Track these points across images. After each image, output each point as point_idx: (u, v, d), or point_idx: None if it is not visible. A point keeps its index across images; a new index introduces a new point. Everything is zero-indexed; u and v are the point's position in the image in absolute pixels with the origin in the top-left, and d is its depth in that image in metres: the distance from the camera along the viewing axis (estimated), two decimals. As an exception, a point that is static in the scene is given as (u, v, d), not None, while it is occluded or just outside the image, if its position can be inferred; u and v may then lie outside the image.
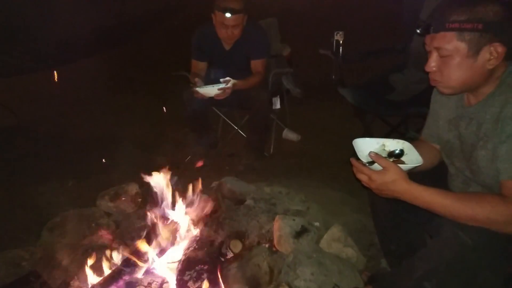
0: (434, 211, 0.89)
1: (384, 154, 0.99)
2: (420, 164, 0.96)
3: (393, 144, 1.03)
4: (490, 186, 0.94)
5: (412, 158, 0.99)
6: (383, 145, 1.03)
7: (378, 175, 0.90)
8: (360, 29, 3.55)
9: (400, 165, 0.93)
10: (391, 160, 0.96)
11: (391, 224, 1.17)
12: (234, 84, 1.92)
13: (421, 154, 1.00)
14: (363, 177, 0.93)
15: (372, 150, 0.97)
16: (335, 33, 2.05)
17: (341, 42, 2.03)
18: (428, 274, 0.89)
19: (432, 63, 0.94)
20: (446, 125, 1.06)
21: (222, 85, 1.90)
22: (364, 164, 0.94)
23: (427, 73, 2.12)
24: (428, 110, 1.86)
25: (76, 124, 2.72)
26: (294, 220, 1.44)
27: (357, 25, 3.65)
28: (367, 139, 1.03)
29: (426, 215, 1.06)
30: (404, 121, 1.94)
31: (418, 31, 0.96)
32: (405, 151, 1.00)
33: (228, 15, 1.89)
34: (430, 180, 0.95)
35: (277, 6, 4.41)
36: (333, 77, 2.07)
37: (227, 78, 1.93)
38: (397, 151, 0.99)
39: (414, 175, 0.93)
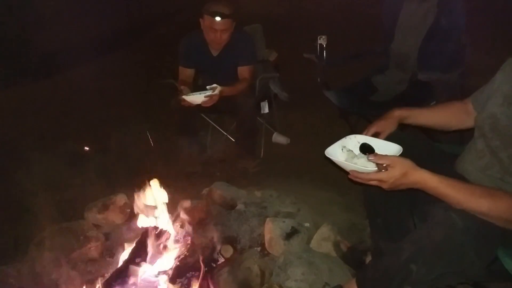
0: (446, 201, 0.88)
1: (352, 155, 0.99)
2: (401, 151, 0.96)
3: (348, 142, 1.03)
4: None
5: (385, 147, 0.98)
6: (344, 147, 1.02)
7: (386, 174, 0.88)
8: (343, 33, 3.64)
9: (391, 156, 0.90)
10: (366, 155, 0.94)
11: (380, 200, 1.16)
12: (221, 91, 1.94)
13: (451, 113, 1.01)
14: (373, 183, 0.91)
15: (340, 155, 0.98)
16: (319, 37, 2.10)
17: (324, 46, 2.08)
18: (415, 255, 0.89)
19: None
20: (501, 99, 1.00)
21: (209, 92, 1.91)
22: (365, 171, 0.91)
23: (407, 74, 2.17)
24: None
25: (62, 136, 2.69)
26: (284, 222, 1.45)
27: (339, 29, 3.73)
28: (332, 146, 1.02)
29: (414, 201, 1.09)
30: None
31: None
32: (372, 144, 1.00)
33: (217, 18, 1.92)
34: (437, 160, 0.94)
35: (262, 13, 4.47)
36: (318, 80, 2.11)
37: (214, 85, 1.94)
38: (366, 145, 0.99)
39: (424, 158, 0.92)
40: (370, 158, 0.90)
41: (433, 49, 1.91)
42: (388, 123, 1.16)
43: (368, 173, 0.90)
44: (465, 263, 0.87)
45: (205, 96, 1.90)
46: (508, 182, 0.96)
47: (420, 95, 1.89)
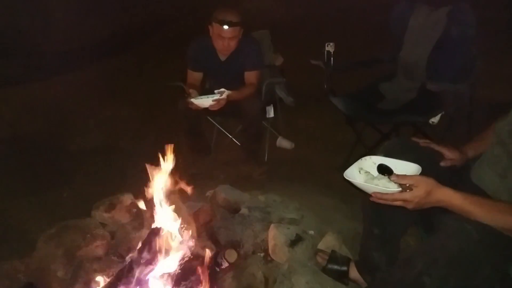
0: (470, 217, 0.87)
1: (370, 176, 0.99)
2: (420, 171, 0.95)
3: (364, 163, 1.03)
4: None
5: (402, 168, 0.98)
6: (361, 168, 1.02)
7: (411, 194, 0.88)
8: (350, 40, 3.64)
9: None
10: (385, 176, 0.95)
11: (382, 210, 1.12)
12: (228, 95, 1.96)
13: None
14: (398, 203, 0.90)
15: (358, 177, 0.97)
16: (326, 44, 2.10)
17: (332, 52, 2.09)
18: (428, 267, 0.87)
19: None
20: None
21: (216, 96, 1.93)
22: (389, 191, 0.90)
23: (416, 83, 2.15)
24: (418, 118, 1.92)
25: (71, 135, 2.72)
26: (288, 228, 1.45)
27: (347, 36, 3.73)
28: (350, 168, 1.02)
29: (420, 212, 1.07)
30: (394, 129, 1.99)
31: None
32: (389, 164, 0.99)
33: (225, 27, 1.95)
34: (455, 173, 0.93)
35: (270, 18, 4.49)
36: (325, 86, 2.12)
37: (222, 89, 1.96)
38: (383, 166, 0.99)
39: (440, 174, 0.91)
40: (392, 178, 0.90)
41: (443, 59, 1.91)
42: (460, 159, 1.14)
43: (392, 194, 0.90)
44: (480, 276, 0.86)
45: (213, 100, 1.92)
46: None
47: (428, 105, 1.88)
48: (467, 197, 0.88)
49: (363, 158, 1.06)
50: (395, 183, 0.91)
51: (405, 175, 0.91)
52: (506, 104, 1.09)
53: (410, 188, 0.88)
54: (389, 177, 0.91)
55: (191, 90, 2.01)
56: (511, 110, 1.05)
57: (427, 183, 0.88)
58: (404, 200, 0.89)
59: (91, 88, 3.27)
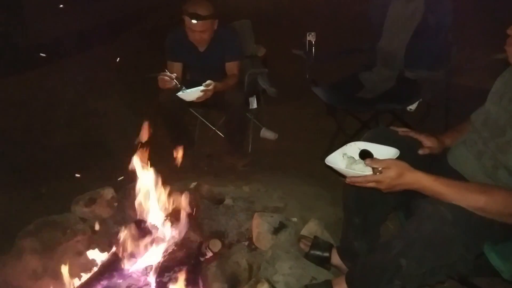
0: (442, 199, 0.90)
1: (352, 161, 1.02)
2: (398, 154, 0.99)
3: (349, 149, 1.06)
4: (507, 167, 0.95)
5: (384, 152, 1.02)
6: (345, 154, 1.05)
7: (383, 176, 0.91)
8: (331, 30, 3.65)
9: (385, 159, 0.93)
10: (365, 160, 0.97)
11: (361, 199, 1.17)
12: (214, 86, 1.94)
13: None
14: (370, 185, 0.93)
15: (341, 162, 1.00)
16: (307, 34, 2.10)
17: (313, 42, 2.09)
18: (404, 250, 0.91)
19: None
20: (495, 98, 1.05)
21: (203, 88, 1.91)
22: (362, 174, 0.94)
23: (395, 71, 2.18)
24: (396, 105, 1.96)
25: (49, 129, 2.63)
26: (272, 216, 1.47)
27: (328, 26, 3.75)
28: (333, 154, 1.05)
29: (400, 198, 1.10)
30: (374, 117, 2.03)
31: None
32: (370, 149, 1.03)
33: (194, 21, 1.92)
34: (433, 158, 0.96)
35: (251, 9, 4.45)
36: (307, 76, 2.13)
37: (209, 82, 1.94)
38: (365, 151, 1.02)
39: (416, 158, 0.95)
40: (366, 163, 0.93)
41: (420, 47, 1.95)
42: (438, 147, 1.17)
43: (365, 176, 0.93)
44: (454, 256, 0.89)
45: (201, 91, 1.90)
46: (499, 173, 0.98)
47: (406, 93, 1.93)
48: (437, 179, 0.90)
49: (348, 144, 1.09)
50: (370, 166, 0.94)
51: (378, 159, 0.94)
52: (482, 91, 1.13)
53: (381, 171, 0.92)
54: (366, 163, 0.94)
55: (167, 74, 1.95)
56: (486, 100, 1.09)
57: (398, 166, 0.91)
58: (377, 181, 0.92)
59: (70, 81, 3.15)
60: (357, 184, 0.95)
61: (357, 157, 1.04)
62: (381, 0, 2.14)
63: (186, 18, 1.95)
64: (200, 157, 2.32)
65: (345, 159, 1.04)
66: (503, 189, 0.91)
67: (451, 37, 1.93)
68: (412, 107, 1.91)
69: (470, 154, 1.07)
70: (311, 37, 2.09)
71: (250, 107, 2.29)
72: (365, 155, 1.01)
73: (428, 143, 1.16)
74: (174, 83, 1.93)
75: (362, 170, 0.96)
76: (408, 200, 1.07)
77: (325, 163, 1.01)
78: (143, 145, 1.39)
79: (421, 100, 1.91)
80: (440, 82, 1.97)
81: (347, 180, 0.97)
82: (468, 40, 2.83)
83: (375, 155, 1.00)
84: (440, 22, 1.90)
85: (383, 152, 1.03)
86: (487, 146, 1.02)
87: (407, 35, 2.01)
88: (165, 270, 1.20)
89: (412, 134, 1.18)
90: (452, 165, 1.13)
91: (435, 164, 1.09)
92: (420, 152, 1.13)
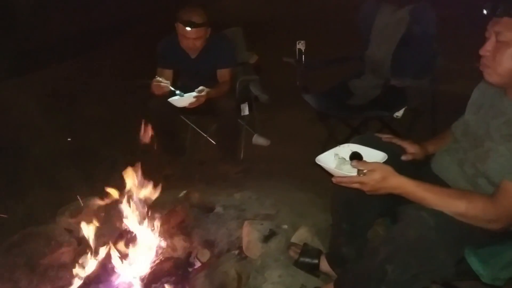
0: (424, 205, 0.92)
1: (342, 162, 1.03)
2: (385, 158, 1.01)
3: (341, 150, 1.08)
4: (486, 176, 0.97)
5: (374, 155, 1.04)
6: (337, 154, 1.07)
7: (367, 177, 0.93)
8: (321, 38, 3.71)
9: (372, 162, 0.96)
10: (352, 162, 0.98)
11: (349, 205, 1.19)
12: (207, 93, 1.94)
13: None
14: (355, 186, 0.95)
15: (331, 162, 1.02)
16: (298, 42, 2.13)
17: (303, 50, 2.11)
18: (389, 256, 0.92)
19: (488, 47, 0.94)
20: (474, 108, 1.08)
21: (195, 94, 1.90)
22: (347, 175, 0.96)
23: (382, 79, 2.22)
24: (383, 112, 1.99)
25: (35, 137, 2.58)
26: (262, 224, 1.46)
27: (317, 35, 3.81)
28: (325, 154, 1.07)
29: (386, 204, 1.12)
30: (363, 123, 2.05)
31: (484, 11, 0.93)
32: (362, 152, 1.05)
33: (188, 29, 1.93)
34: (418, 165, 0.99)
35: (243, 18, 4.50)
36: (298, 83, 2.14)
37: (201, 88, 1.94)
38: (356, 153, 1.04)
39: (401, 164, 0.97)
40: (352, 164, 0.95)
41: (406, 56, 1.98)
42: (420, 153, 1.19)
43: (351, 177, 0.95)
44: (437, 261, 0.90)
45: (193, 97, 1.90)
46: (479, 181, 1.00)
47: (393, 100, 1.95)
48: (420, 185, 0.93)
49: (341, 145, 1.11)
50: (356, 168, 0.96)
51: (365, 162, 0.96)
52: (466, 99, 1.16)
53: (365, 174, 0.94)
54: (352, 164, 0.96)
55: (161, 80, 1.94)
56: (465, 111, 1.12)
57: (383, 170, 0.93)
58: (361, 183, 0.94)
59: (59, 87, 3.12)
60: (342, 184, 0.97)
61: (348, 158, 1.06)
62: (368, 9, 2.18)
63: (180, 25, 1.95)
64: (191, 165, 2.30)
65: (336, 159, 1.06)
66: (484, 195, 0.93)
67: (436, 46, 1.97)
68: (399, 114, 1.94)
69: (453, 162, 1.09)
70: (301, 45, 2.11)
71: (242, 114, 2.29)
72: (354, 157, 1.03)
73: (411, 150, 1.18)
74: (169, 88, 1.92)
75: (349, 171, 0.98)
76: (394, 205, 1.07)
77: (315, 162, 1.02)
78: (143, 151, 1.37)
79: (407, 107, 1.94)
80: (426, 89, 2.00)
81: (334, 180, 0.98)
82: (456, 48, 2.90)
83: (365, 158, 1.02)
84: (425, 32, 1.94)
85: (373, 155, 1.05)
86: (467, 155, 1.05)
87: (393, 44, 2.05)
88: (152, 281, 1.18)
89: (395, 140, 1.20)
90: (436, 172, 1.15)
91: (419, 171, 1.11)
92: (403, 158, 1.16)
